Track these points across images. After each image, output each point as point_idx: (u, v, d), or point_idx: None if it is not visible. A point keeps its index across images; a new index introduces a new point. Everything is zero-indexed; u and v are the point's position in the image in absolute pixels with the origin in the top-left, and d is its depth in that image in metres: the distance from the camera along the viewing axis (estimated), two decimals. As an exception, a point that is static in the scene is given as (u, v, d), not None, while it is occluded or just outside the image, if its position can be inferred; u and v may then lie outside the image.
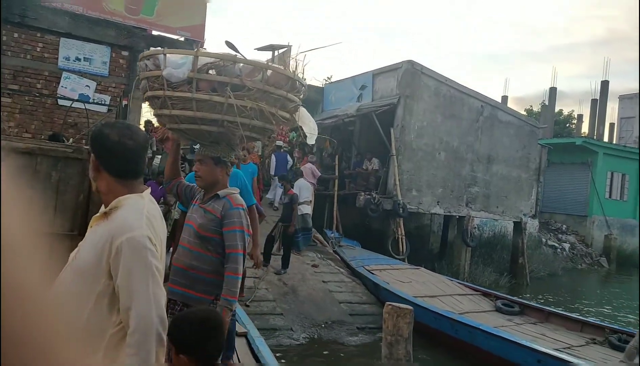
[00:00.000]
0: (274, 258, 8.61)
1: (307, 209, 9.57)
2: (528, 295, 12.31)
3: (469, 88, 13.04)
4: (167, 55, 2.53)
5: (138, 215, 1.51)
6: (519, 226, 14.32)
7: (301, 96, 2.92)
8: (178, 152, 2.90)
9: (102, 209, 1.59)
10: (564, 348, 6.18)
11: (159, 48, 2.67)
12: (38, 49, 8.92)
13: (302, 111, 3.01)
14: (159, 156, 10.77)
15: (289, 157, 12.77)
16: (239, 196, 2.72)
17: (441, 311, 7.17)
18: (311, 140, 3.22)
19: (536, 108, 34.22)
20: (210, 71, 2.57)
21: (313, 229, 10.26)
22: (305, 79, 2.96)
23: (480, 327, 6.50)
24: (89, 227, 1.60)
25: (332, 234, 11.16)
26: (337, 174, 12.46)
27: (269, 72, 2.66)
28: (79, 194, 2.86)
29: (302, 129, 3.08)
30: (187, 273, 2.58)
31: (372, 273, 8.92)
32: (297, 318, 7.12)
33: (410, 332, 3.38)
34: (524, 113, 32.55)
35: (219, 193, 2.66)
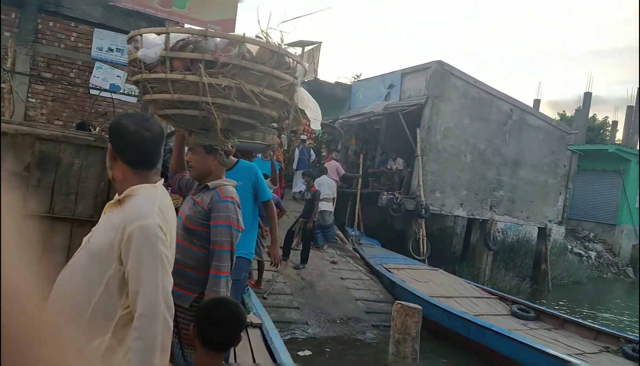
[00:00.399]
0: (293, 252, 8.67)
1: (326, 206, 9.50)
2: (552, 302, 12.11)
3: (499, 91, 12.82)
4: (144, 35, 2.37)
5: (150, 204, 1.56)
6: (543, 232, 14.06)
7: (296, 75, 2.59)
8: (183, 144, 2.75)
9: (116, 196, 1.64)
10: (576, 355, 6.16)
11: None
12: (72, 39, 9.14)
13: (301, 91, 2.70)
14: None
15: (312, 152, 12.82)
16: (231, 188, 2.52)
17: (455, 311, 7.21)
18: (316, 125, 2.87)
19: (570, 113, 33.41)
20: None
21: (334, 227, 10.27)
22: (301, 56, 2.74)
23: (493, 328, 6.53)
24: (102, 213, 1.65)
25: (353, 232, 11.17)
26: (360, 172, 12.44)
27: (250, 46, 2.39)
28: (99, 181, 2.93)
29: (302, 113, 2.78)
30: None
31: (390, 271, 8.96)
32: (313, 312, 7.16)
33: (417, 331, 3.37)
34: (557, 117, 31.96)
35: (209, 183, 2.48)
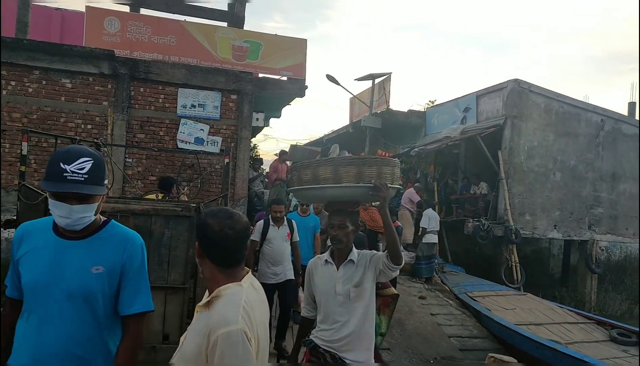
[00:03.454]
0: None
1: (434, 239, 9.96)
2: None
3: (586, 102, 12.11)
4: None
5: (235, 308, 1.57)
6: (655, 249, 12.83)
7: None
8: None
9: (206, 296, 1.70)
10: None
11: None
12: (160, 100, 9.94)
13: None
14: (267, 190, 11.40)
15: None
16: None
17: (544, 340, 6.72)
18: None
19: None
20: None
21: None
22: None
23: (585, 359, 6.01)
24: (195, 312, 1.70)
25: (435, 260, 10.89)
26: (436, 200, 12.23)
27: None
28: (188, 249, 3.15)
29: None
30: None
31: (475, 300, 8.69)
32: (405, 353, 6.99)
33: (515, 385, 3.17)
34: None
35: None
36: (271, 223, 5.52)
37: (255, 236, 5.48)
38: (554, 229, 11.60)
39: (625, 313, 11.38)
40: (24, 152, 4.67)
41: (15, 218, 3.78)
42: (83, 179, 1.73)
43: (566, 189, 11.69)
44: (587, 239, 11.89)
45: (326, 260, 2.89)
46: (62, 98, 9.36)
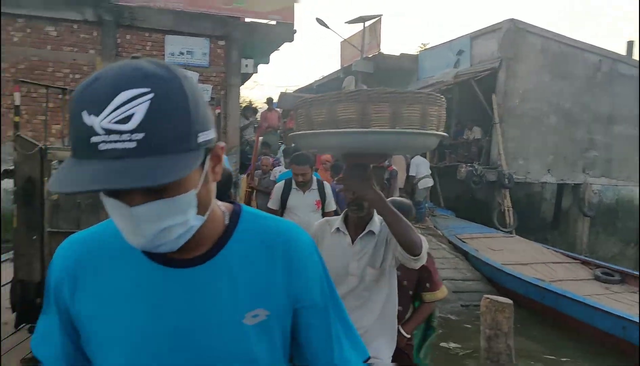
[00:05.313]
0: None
1: (430, 183, 10.36)
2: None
3: (583, 42, 11.81)
4: None
5: None
6: (647, 191, 12.94)
7: None
8: None
9: None
10: None
11: None
12: (147, 48, 9.63)
13: None
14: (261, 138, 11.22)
15: None
16: None
17: (527, 278, 7.10)
18: None
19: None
20: None
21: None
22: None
23: (566, 294, 6.40)
24: None
25: (427, 205, 10.96)
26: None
27: None
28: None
29: None
30: None
31: (464, 242, 8.93)
32: (399, 297, 7.12)
33: (510, 327, 3.21)
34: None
35: None
36: (294, 186, 4.24)
37: (273, 203, 4.28)
38: (547, 173, 11.62)
39: (616, 256, 11.61)
40: (17, 102, 4.63)
41: (12, 167, 3.81)
42: (133, 146, 0.68)
43: (561, 133, 11.62)
44: (580, 182, 11.94)
45: (338, 228, 2.19)
46: (49, 47, 9.07)
